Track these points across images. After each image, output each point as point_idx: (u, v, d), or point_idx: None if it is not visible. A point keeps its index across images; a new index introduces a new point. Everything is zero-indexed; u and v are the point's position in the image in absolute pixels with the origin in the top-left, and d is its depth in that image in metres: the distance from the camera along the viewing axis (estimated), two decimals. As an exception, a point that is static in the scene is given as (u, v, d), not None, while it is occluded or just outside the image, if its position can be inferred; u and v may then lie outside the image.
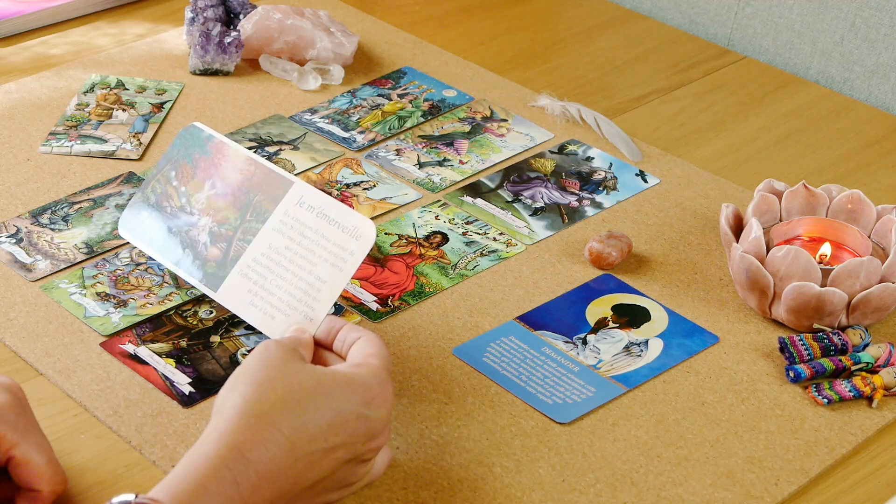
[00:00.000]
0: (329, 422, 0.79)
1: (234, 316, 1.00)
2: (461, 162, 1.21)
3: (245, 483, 0.75)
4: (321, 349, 0.88)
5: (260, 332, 0.99)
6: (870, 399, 0.95)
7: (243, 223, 0.98)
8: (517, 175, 1.19)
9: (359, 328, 0.87)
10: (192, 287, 1.03)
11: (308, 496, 0.80)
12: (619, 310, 1.03)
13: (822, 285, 0.98)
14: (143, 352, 0.97)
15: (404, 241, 1.10)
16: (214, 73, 1.34)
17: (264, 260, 0.95)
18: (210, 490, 0.74)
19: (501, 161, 1.22)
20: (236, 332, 0.99)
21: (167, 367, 0.95)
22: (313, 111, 1.29)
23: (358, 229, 0.93)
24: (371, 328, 1.00)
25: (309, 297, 0.92)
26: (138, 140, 1.22)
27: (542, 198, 1.16)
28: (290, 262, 0.94)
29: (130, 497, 0.73)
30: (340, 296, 1.03)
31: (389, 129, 1.26)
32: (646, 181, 1.19)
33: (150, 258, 1.06)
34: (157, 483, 0.77)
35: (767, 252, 1.00)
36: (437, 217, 1.13)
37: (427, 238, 1.11)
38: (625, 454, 0.90)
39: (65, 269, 1.05)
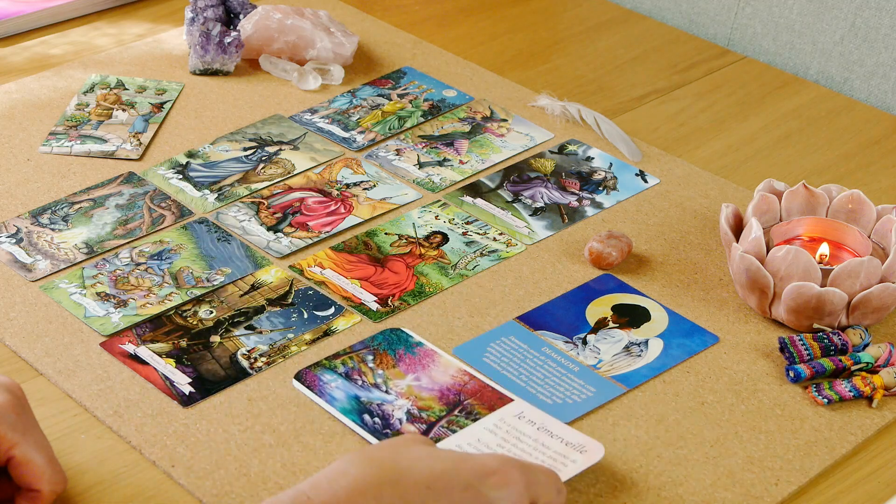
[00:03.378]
0: (429, 479, 0.75)
1: (234, 316, 1.00)
2: (461, 162, 1.21)
3: None
4: None
5: (258, 332, 0.99)
6: (870, 399, 0.95)
7: (449, 415, 0.92)
8: (517, 175, 1.19)
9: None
10: (193, 286, 1.03)
11: None
12: (619, 310, 1.03)
13: (822, 285, 0.98)
14: (143, 352, 0.97)
15: (404, 241, 1.10)
16: (214, 73, 1.34)
17: (471, 449, 0.88)
18: None
19: (501, 161, 1.22)
20: (236, 332, 0.99)
21: (167, 367, 0.95)
22: (313, 111, 1.29)
23: (584, 446, 0.88)
24: (371, 328, 1.00)
25: None
26: (138, 140, 1.22)
27: (542, 198, 1.16)
28: None
29: None
30: (340, 296, 1.03)
31: (389, 129, 1.26)
32: (646, 181, 1.19)
33: (150, 258, 1.06)
34: (156, 481, 0.76)
35: (767, 252, 1.00)
36: (437, 217, 1.13)
37: (427, 238, 1.11)
38: (625, 454, 0.90)
39: (65, 269, 1.05)
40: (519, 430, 0.89)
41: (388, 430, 0.90)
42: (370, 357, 0.96)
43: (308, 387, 0.93)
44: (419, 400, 0.92)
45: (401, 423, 0.90)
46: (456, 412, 0.91)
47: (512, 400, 0.92)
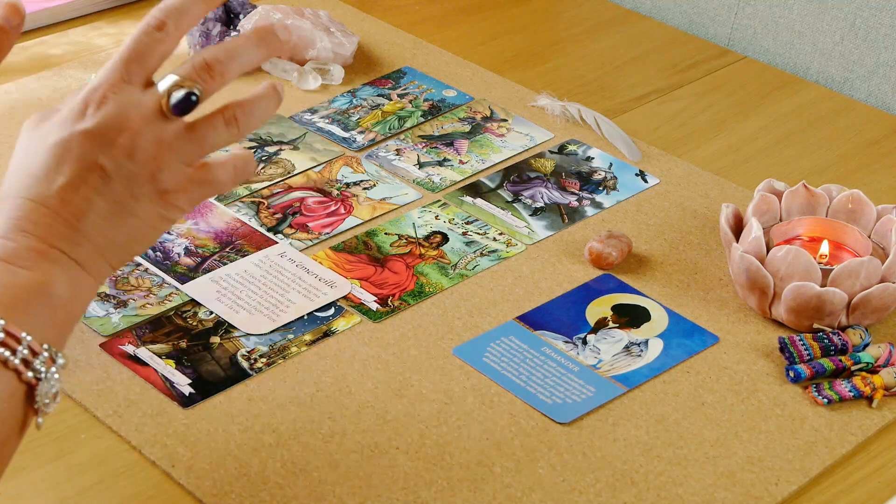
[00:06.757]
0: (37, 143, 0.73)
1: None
2: (461, 162, 1.21)
3: (82, 258, 0.73)
4: None
5: (256, 334, 0.99)
6: (870, 399, 0.95)
7: (221, 252, 1.06)
8: (517, 175, 1.19)
9: None
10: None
11: (115, 209, 0.73)
12: (619, 310, 1.03)
13: (822, 285, 0.98)
14: (143, 353, 0.97)
15: (404, 241, 1.10)
16: (214, 73, 1.34)
17: (237, 278, 1.03)
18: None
19: (501, 161, 1.22)
20: (236, 333, 0.99)
21: (167, 369, 0.95)
22: (313, 111, 1.29)
23: (335, 282, 1.02)
24: (371, 328, 1.00)
25: (276, 309, 1.00)
26: (138, 140, 1.22)
27: (542, 198, 1.16)
28: (262, 285, 1.02)
29: None
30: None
31: (389, 129, 1.26)
32: (646, 181, 1.19)
33: (150, 259, 1.06)
34: (156, 481, 0.77)
35: (767, 252, 1.00)
36: (437, 217, 1.13)
37: (427, 238, 1.11)
38: (625, 454, 0.90)
39: (65, 269, 1.05)
40: (280, 265, 1.04)
41: (168, 262, 1.04)
42: None
43: None
44: (196, 239, 1.06)
45: (179, 257, 1.05)
46: (227, 249, 1.06)
47: (277, 242, 1.06)
